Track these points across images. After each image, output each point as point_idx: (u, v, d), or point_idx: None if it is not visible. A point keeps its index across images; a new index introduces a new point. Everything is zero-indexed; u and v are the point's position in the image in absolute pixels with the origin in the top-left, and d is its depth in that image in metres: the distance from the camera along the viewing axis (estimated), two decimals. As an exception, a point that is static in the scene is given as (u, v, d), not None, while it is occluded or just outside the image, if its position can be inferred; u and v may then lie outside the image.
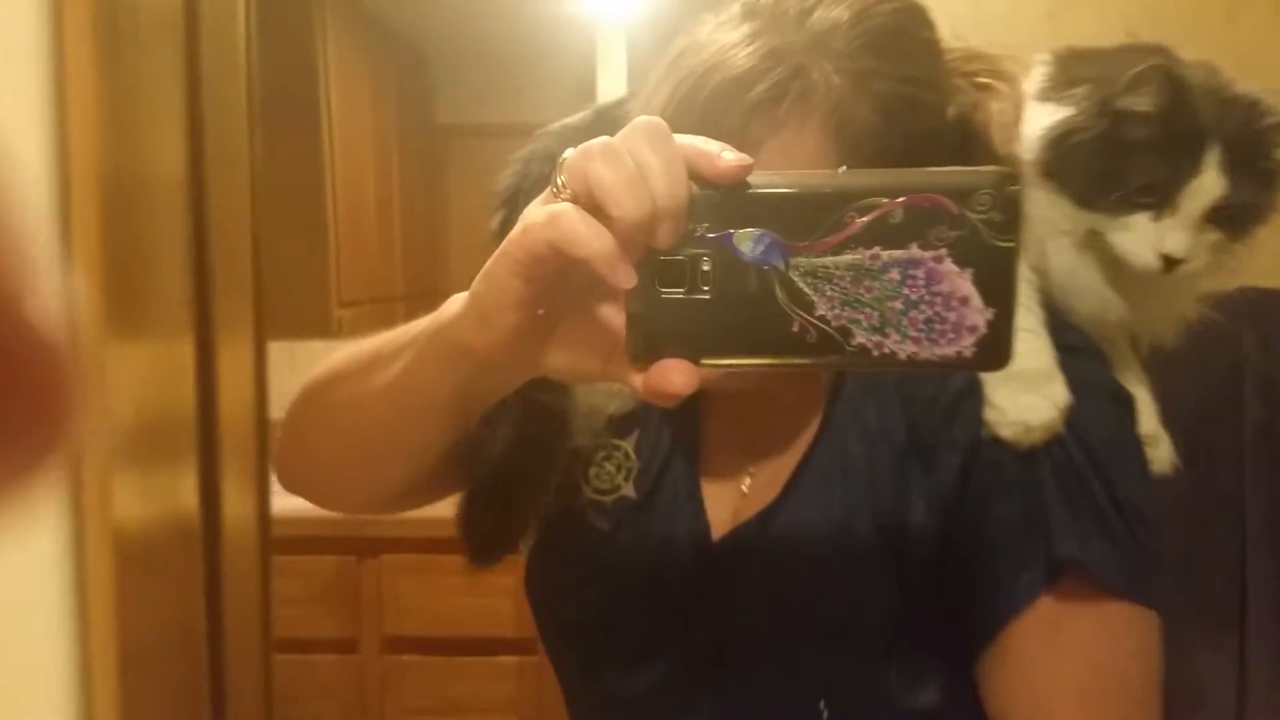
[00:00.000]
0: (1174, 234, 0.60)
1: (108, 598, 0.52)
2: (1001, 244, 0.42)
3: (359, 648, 2.13)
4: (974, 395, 0.62)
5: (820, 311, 0.43)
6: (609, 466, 0.72)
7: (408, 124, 3.19)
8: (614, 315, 0.47)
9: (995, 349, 0.43)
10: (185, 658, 0.62)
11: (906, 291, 0.43)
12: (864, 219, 0.42)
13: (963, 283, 0.42)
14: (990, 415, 0.61)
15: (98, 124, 0.51)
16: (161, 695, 0.59)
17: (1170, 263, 0.60)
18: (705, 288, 0.44)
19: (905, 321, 0.43)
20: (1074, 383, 0.60)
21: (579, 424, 0.71)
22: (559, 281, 0.46)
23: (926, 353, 0.43)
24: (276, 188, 2.76)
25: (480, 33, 3.10)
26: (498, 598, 2.09)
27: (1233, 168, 0.59)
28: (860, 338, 0.43)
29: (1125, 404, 0.65)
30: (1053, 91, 0.63)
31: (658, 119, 0.45)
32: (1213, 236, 0.61)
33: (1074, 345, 0.63)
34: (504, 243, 0.46)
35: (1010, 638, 0.61)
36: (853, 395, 0.66)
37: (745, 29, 0.60)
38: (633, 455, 0.71)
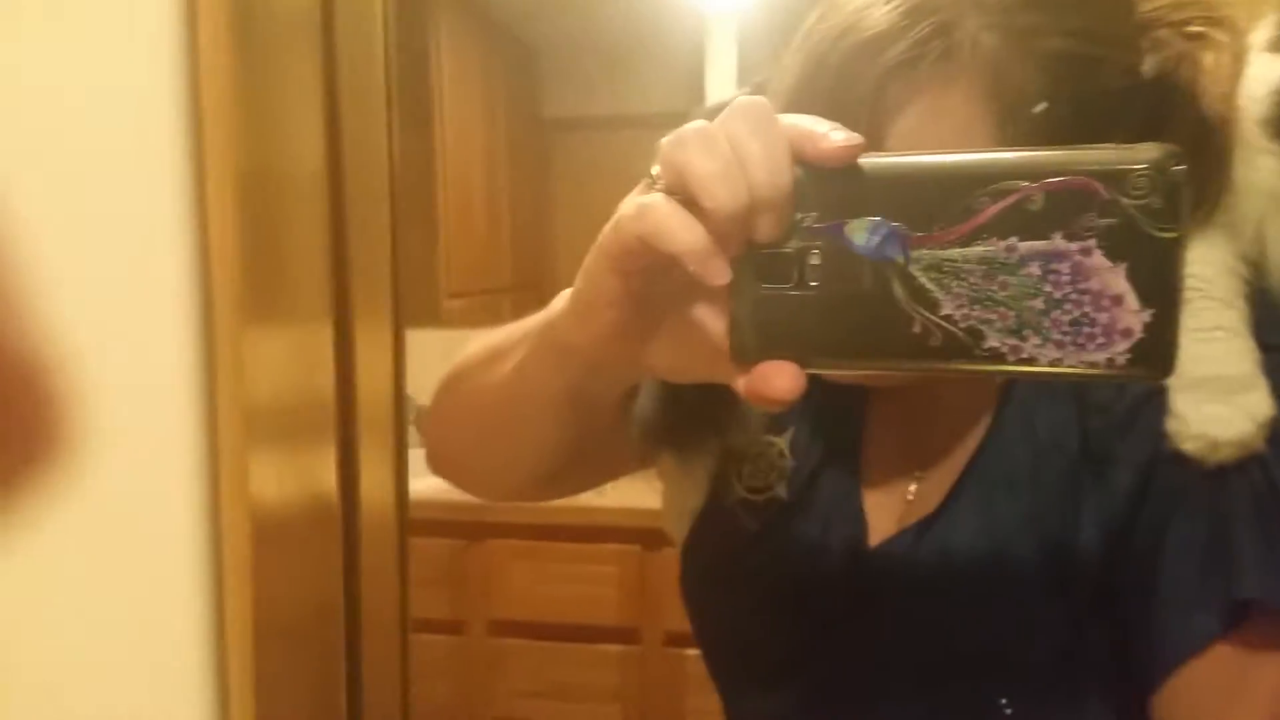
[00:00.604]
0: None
1: (244, 576, 0.54)
2: (1162, 234, 0.37)
3: (467, 630, 2.18)
4: (1155, 403, 0.55)
5: (946, 310, 0.39)
6: (762, 464, 0.68)
7: (515, 117, 3.23)
8: (719, 312, 0.44)
9: (1154, 356, 0.37)
10: (321, 636, 0.63)
11: (1048, 289, 0.38)
12: (998, 205, 0.38)
13: (1115, 279, 0.37)
14: (1172, 426, 0.53)
15: (233, 119, 0.52)
16: (297, 673, 0.61)
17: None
18: (814, 283, 0.40)
19: (1047, 323, 0.38)
20: None
21: (733, 419, 0.67)
22: (657, 277, 0.43)
23: (1072, 359, 0.38)
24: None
25: (587, 24, 3.11)
26: (603, 586, 2.11)
27: None
28: (993, 340, 0.38)
29: None
30: None
31: (759, 98, 0.41)
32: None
33: None
34: (599, 237, 0.44)
35: (1183, 684, 0.55)
36: (1025, 397, 0.61)
37: None
38: (787, 454, 0.67)
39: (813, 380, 0.42)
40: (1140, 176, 0.37)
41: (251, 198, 0.55)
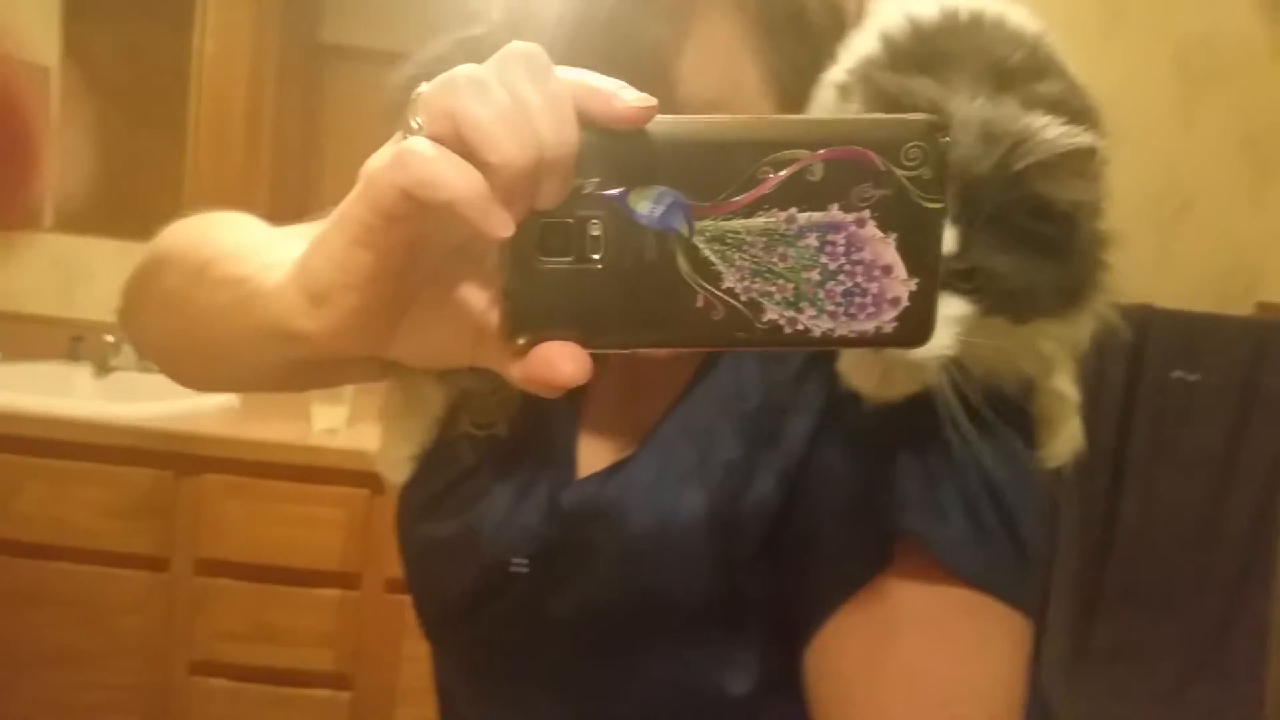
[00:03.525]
0: None
1: None
2: (929, 205, 0.38)
3: (170, 567, 2.07)
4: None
5: (728, 284, 0.38)
6: (492, 402, 0.66)
7: (290, 35, 3.05)
8: (483, 289, 0.40)
9: (917, 323, 0.39)
10: None
11: (825, 260, 0.38)
12: (779, 175, 0.37)
13: (886, 249, 0.38)
14: (843, 365, 0.53)
15: None
16: None
17: None
18: (595, 256, 0.38)
19: (822, 294, 0.38)
20: None
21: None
22: (415, 248, 0.38)
23: (844, 329, 0.38)
24: (139, 85, 2.63)
25: (376, -47, 2.99)
26: (325, 529, 2.06)
27: (968, 221, 0.46)
28: (772, 313, 0.38)
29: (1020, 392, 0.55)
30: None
31: (534, 45, 0.37)
32: (948, 305, 0.47)
33: None
34: (341, 206, 0.38)
35: (832, 635, 0.52)
36: (722, 354, 0.60)
37: None
38: (516, 395, 0.64)
39: None
40: (914, 148, 0.37)
41: None
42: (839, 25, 0.57)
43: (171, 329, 0.60)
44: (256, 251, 0.50)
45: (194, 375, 0.65)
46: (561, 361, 0.37)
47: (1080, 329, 0.52)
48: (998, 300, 0.48)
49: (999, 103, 0.47)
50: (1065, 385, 0.57)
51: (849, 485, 0.54)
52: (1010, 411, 0.54)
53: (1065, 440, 0.58)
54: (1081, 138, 0.45)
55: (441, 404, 0.70)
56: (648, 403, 0.63)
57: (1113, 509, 2.03)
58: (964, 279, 0.47)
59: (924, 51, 0.50)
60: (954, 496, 0.51)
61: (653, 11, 0.53)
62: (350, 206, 0.38)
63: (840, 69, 0.53)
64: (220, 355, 0.54)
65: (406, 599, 2.11)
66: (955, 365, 0.50)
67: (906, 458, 0.52)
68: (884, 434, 0.52)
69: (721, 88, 0.55)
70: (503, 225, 0.35)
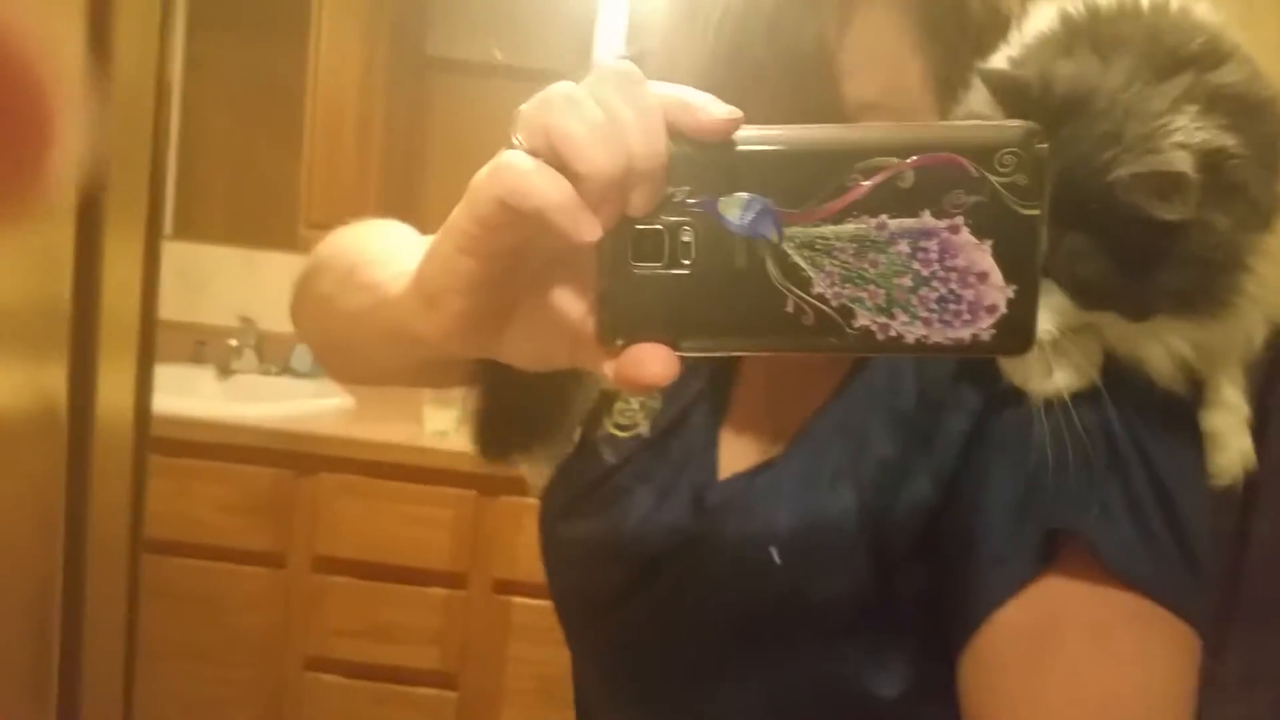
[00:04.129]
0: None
1: None
2: (1026, 211, 0.37)
3: (289, 563, 2.14)
4: None
5: (818, 289, 0.38)
6: (634, 403, 0.68)
7: (399, 48, 3.13)
8: (581, 293, 0.41)
9: (1016, 331, 0.38)
10: (38, 555, 0.60)
11: (917, 266, 0.38)
12: (869, 182, 0.37)
13: (981, 256, 0.37)
14: (1005, 360, 0.52)
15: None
16: (7, 586, 0.57)
17: None
18: (686, 261, 0.39)
19: (914, 300, 0.38)
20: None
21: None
22: (516, 256, 0.40)
23: (939, 335, 0.38)
24: (256, 97, 2.73)
25: (482, -35, 3.04)
26: (435, 529, 2.10)
27: (1056, 210, 0.46)
28: (863, 319, 0.38)
29: (1190, 400, 0.53)
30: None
31: (627, 63, 0.39)
32: (1054, 296, 0.48)
33: None
34: (450, 217, 0.40)
35: (989, 638, 0.51)
36: None
37: None
38: (658, 394, 0.66)
39: None
40: (1008, 154, 0.37)
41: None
42: (1000, 21, 0.57)
43: (324, 328, 0.64)
44: (393, 259, 0.53)
45: (343, 369, 0.69)
46: (650, 362, 0.39)
47: (1229, 334, 0.50)
48: (1092, 297, 0.47)
49: (1155, 91, 0.46)
50: (1234, 396, 0.55)
51: (1009, 483, 0.52)
52: (1180, 418, 0.53)
53: (1235, 455, 0.55)
54: (1179, 160, 0.44)
55: (583, 410, 0.71)
56: (794, 405, 0.63)
57: (1244, 527, 1.92)
58: (1054, 272, 0.47)
59: (1100, 32, 0.49)
60: (1120, 497, 0.50)
61: (814, 9, 0.53)
62: (456, 216, 0.40)
63: (1014, 47, 0.52)
64: (360, 353, 0.59)
65: (514, 600, 2.12)
66: (1115, 362, 0.49)
67: (1070, 455, 0.50)
68: (1046, 431, 0.50)
69: (884, 84, 0.56)
70: (590, 230, 0.37)
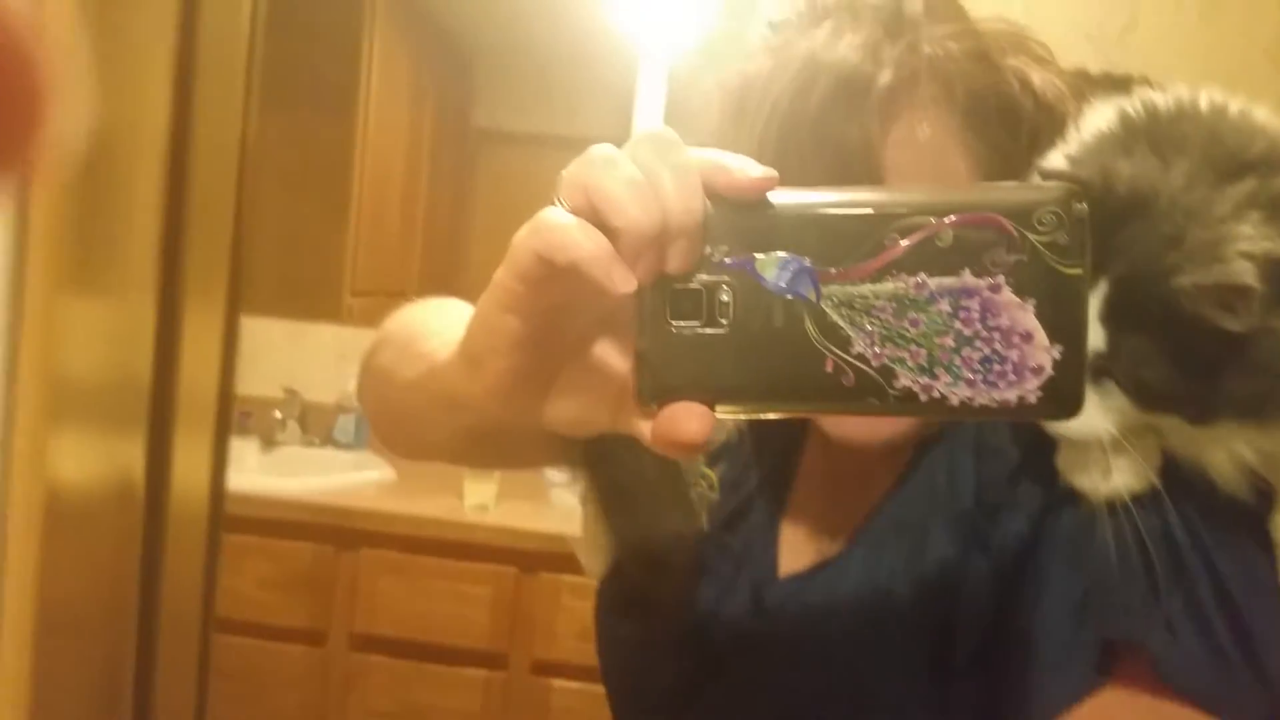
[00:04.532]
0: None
1: (28, 560, 0.49)
2: (1068, 271, 0.37)
3: (326, 641, 2.10)
4: (1049, 444, 0.52)
5: (858, 349, 0.38)
6: (692, 495, 0.68)
7: (444, 120, 3.18)
8: (622, 354, 0.41)
9: (1064, 394, 0.37)
10: (111, 632, 0.59)
11: (959, 325, 0.37)
12: (907, 241, 0.37)
13: (1024, 315, 0.37)
14: (1062, 461, 0.51)
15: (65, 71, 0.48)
16: (80, 669, 0.56)
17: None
18: (724, 321, 0.39)
19: (958, 360, 0.37)
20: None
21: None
22: (558, 315, 0.40)
23: (983, 397, 0.37)
24: (304, 170, 2.78)
25: (527, 39, 3.09)
26: (474, 607, 2.05)
27: (1118, 312, 0.46)
28: (905, 379, 0.38)
29: (1258, 507, 0.52)
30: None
31: (664, 127, 0.40)
32: (1114, 397, 0.47)
33: None
34: (494, 277, 0.41)
35: None
36: (935, 444, 0.60)
37: (826, 28, 0.56)
38: (716, 487, 0.67)
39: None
40: (1047, 213, 0.37)
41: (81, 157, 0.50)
42: (1056, 120, 0.57)
43: (383, 400, 0.65)
44: (448, 329, 0.53)
45: (401, 442, 0.69)
46: (687, 420, 0.38)
47: None
48: (1154, 400, 0.47)
49: (1218, 195, 0.45)
50: None
51: (1068, 590, 0.51)
52: (1246, 523, 0.51)
53: None
54: (1244, 271, 0.43)
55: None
56: (853, 498, 0.63)
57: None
58: (1114, 374, 0.46)
59: (1159, 132, 0.48)
60: (1183, 607, 0.48)
61: (859, 109, 0.54)
62: (498, 275, 0.40)
63: (1071, 146, 0.51)
64: (414, 423, 0.60)
65: (554, 683, 2.05)
66: (1177, 465, 0.48)
67: (1131, 562, 0.49)
68: (1106, 535, 0.49)
69: (929, 182, 0.56)
70: (624, 282, 0.37)
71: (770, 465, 0.68)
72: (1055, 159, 0.52)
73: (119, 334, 0.56)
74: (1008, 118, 0.57)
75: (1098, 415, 0.46)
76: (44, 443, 0.49)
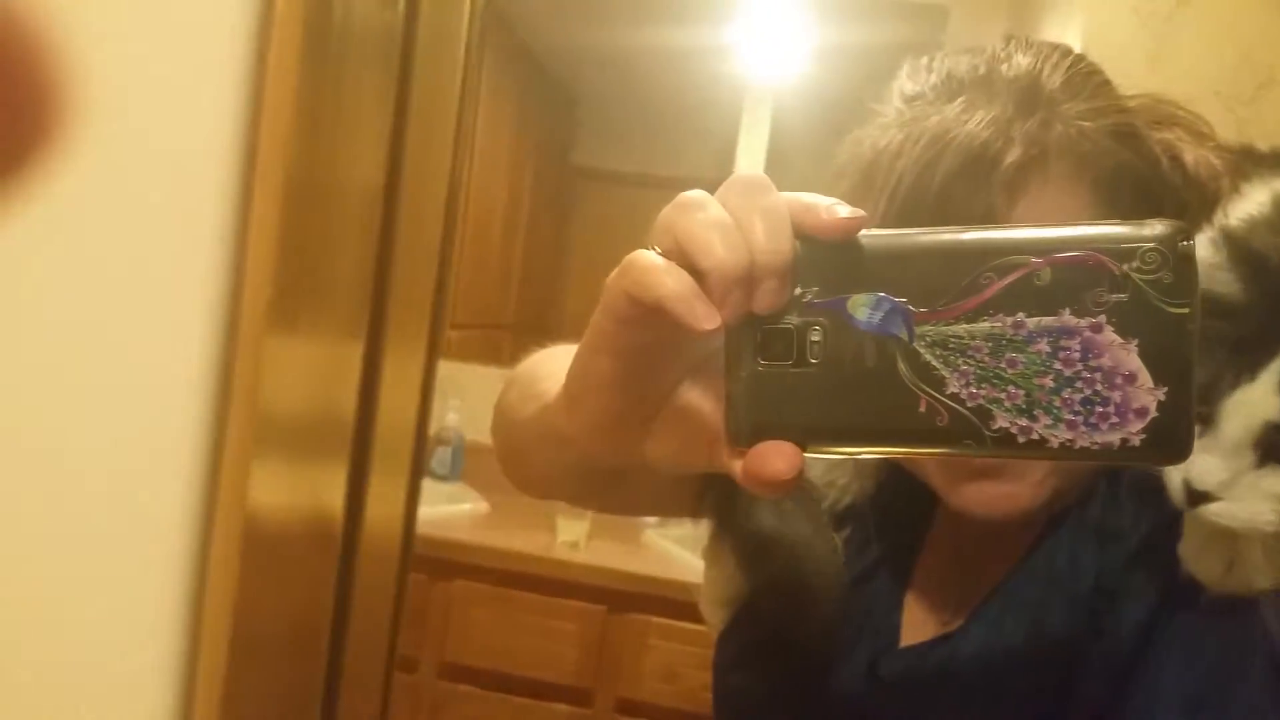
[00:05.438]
0: (1204, 456, 0.45)
1: (228, 583, 0.51)
2: (1174, 310, 0.35)
3: (417, 669, 2.12)
4: (1172, 531, 0.51)
5: (952, 389, 0.37)
6: (837, 544, 0.67)
7: (545, 159, 3.25)
8: (715, 395, 0.41)
9: (1170, 437, 0.35)
10: (302, 659, 0.61)
11: (1059, 366, 0.36)
12: (1004, 281, 0.36)
13: (1127, 356, 0.35)
14: (1185, 549, 0.49)
15: (290, 126, 0.51)
16: (269, 691, 0.58)
17: (1194, 495, 0.45)
18: (814, 361, 0.38)
19: (1058, 402, 0.36)
20: None
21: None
22: (650, 356, 0.41)
23: (1085, 440, 0.36)
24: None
25: (629, 81, 3.15)
26: (562, 643, 2.06)
27: None
28: (1002, 421, 0.36)
29: None
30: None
31: (756, 172, 0.40)
32: (1268, 478, 0.44)
33: None
34: (592, 318, 0.42)
35: None
36: (1060, 524, 0.59)
37: (959, 104, 0.56)
38: (840, 552, 0.66)
39: (882, 482, 0.40)
40: (1151, 251, 0.35)
41: (298, 205, 0.54)
42: (1206, 197, 0.55)
43: (506, 437, 0.66)
44: (561, 370, 0.54)
45: (521, 479, 0.71)
46: (774, 458, 0.38)
47: None
48: None
49: None
50: None
51: (1182, 684, 0.50)
52: None
53: None
54: None
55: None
56: (976, 574, 0.63)
57: None
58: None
59: None
60: None
61: (985, 184, 0.54)
62: (595, 316, 0.41)
63: (1216, 227, 0.49)
64: (530, 460, 0.61)
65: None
66: None
67: (1257, 669, 0.47)
68: (1230, 636, 0.48)
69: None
70: (708, 319, 0.37)
71: (897, 534, 0.67)
72: (1201, 242, 0.49)
73: (325, 372, 0.59)
74: (1148, 194, 0.56)
75: (1261, 502, 0.44)
76: (248, 474, 0.51)
